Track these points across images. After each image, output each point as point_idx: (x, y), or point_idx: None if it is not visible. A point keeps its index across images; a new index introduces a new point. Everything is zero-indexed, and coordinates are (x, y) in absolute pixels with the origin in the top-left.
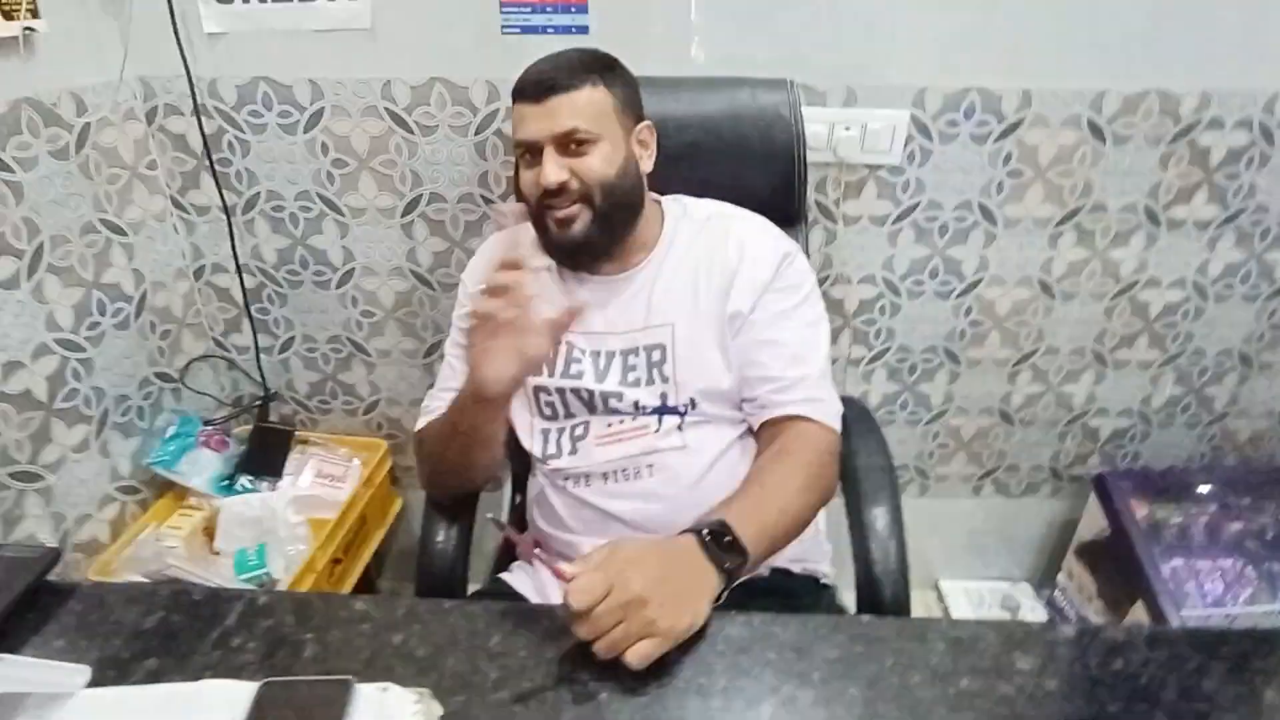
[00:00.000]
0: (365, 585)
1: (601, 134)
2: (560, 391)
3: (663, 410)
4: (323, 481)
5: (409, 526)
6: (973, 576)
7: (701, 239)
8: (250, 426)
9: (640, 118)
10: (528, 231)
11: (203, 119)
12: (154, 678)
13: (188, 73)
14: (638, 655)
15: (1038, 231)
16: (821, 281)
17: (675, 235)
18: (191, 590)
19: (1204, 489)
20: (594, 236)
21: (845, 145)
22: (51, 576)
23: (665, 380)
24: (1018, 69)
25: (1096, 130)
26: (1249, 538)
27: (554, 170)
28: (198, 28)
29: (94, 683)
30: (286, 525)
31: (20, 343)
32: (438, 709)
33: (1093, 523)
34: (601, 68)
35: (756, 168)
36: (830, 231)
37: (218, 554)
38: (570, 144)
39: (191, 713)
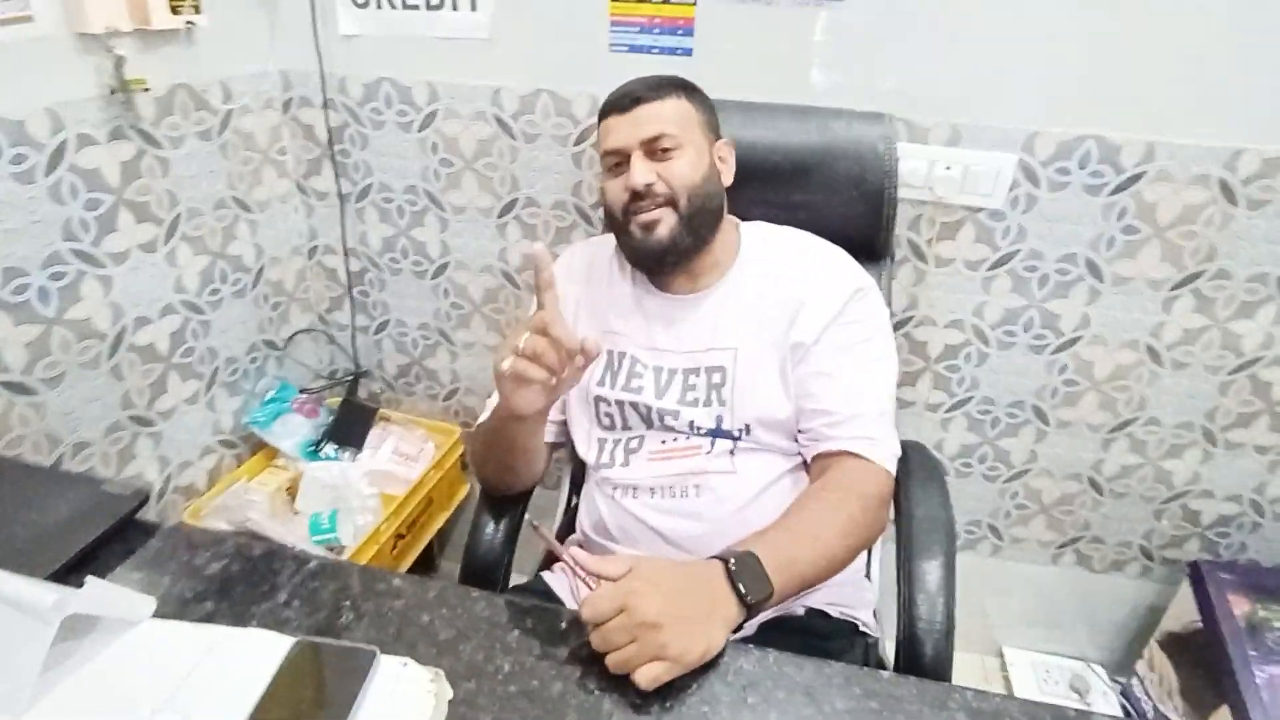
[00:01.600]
0: (426, 561)
1: (687, 140)
2: (620, 404)
3: (717, 433)
4: (398, 459)
5: (472, 512)
6: (1042, 649)
7: (775, 267)
8: (340, 399)
9: (719, 135)
10: (606, 245)
11: (330, 112)
12: (208, 618)
13: (321, 69)
14: (646, 677)
15: (1150, 293)
16: (905, 322)
17: (750, 261)
18: (255, 546)
19: None
20: (679, 240)
21: (944, 184)
22: (150, 514)
23: (723, 403)
24: (1142, 119)
25: (1228, 191)
26: None
27: (642, 172)
28: (334, 29)
29: (157, 614)
30: (359, 495)
31: (151, 300)
32: (448, 691)
33: (1183, 612)
34: (683, 85)
35: (844, 201)
36: (920, 271)
37: (297, 513)
38: (657, 150)
39: (233, 654)
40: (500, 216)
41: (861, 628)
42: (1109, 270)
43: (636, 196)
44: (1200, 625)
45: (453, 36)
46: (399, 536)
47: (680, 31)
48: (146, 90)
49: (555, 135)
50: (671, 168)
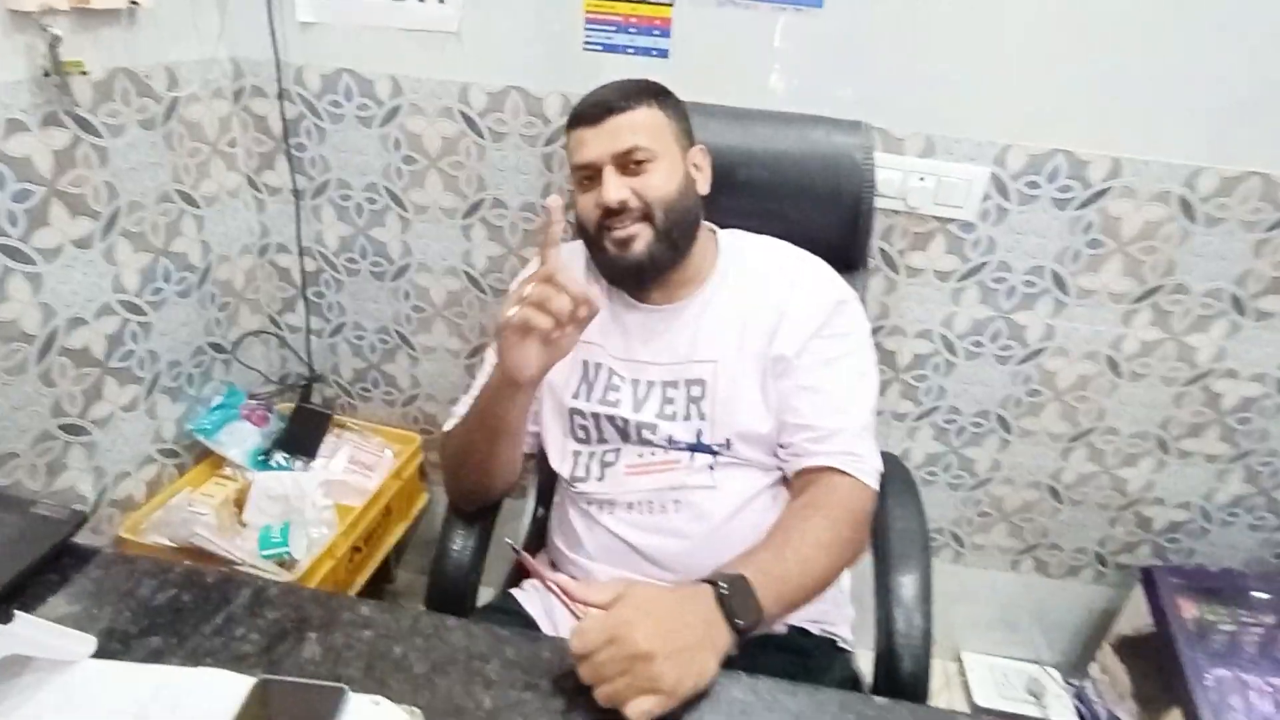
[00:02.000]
0: (383, 574)
1: (660, 152)
2: (595, 416)
3: (696, 447)
4: (354, 468)
5: (432, 521)
6: (999, 653)
7: (754, 277)
8: (292, 405)
9: (693, 142)
10: (580, 254)
11: (285, 104)
12: (156, 656)
13: (276, 58)
14: (638, 711)
15: (1112, 306)
16: (875, 331)
17: (728, 271)
18: (207, 573)
19: (1262, 596)
20: (656, 256)
21: (917, 195)
22: (84, 534)
23: (702, 417)
24: (1109, 136)
25: (1188, 208)
26: None
27: (615, 188)
28: (291, 15)
29: (98, 653)
30: (314, 507)
31: (86, 300)
32: None
33: (1135, 616)
34: (656, 92)
35: (821, 209)
36: (891, 281)
37: (245, 525)
38: (630, 163)
39: (185, 698)
40: (465, 217)
41: (840, 644)
42: (1074, 283)
43: (610, 213)
44: (1153, 629)
45: (419, 28)
46: (355, 550)
47: (656, 32)
48: (84, 74)
49: (525, 135)
50: (646, 182)
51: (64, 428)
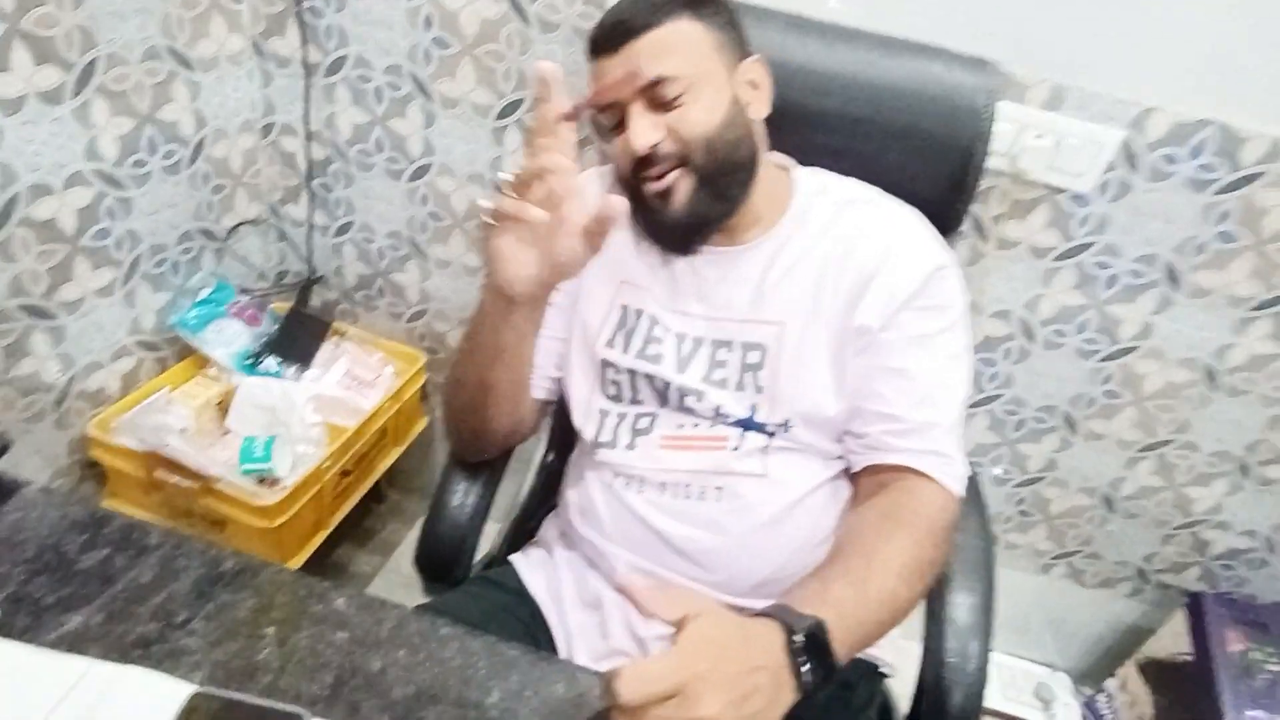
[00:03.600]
0: (373, 494)
1: (699, 77)
2: (631, 373)
3: (748, 424)
4: (350, 383)
5: (429, 443)
6: (1009, 651)
7: (838, 227)
8: (288, 306)
9: (746, 53)
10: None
11: None
12: (71, 642)
13: None
14: None
15: (1227, 310)
16: None
17: (806, 215)
18: (150, 530)
19: None
20: (703, 208)
21: (1031, 155)
22: (47, 424)
23: (759, 390)
24: (1276, 111)
25: None
26: None
27: (645, 129)
28: None
29: None
30: (302, 423)
31: (54, 166)
32: None
33: (1172, 640)
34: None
35: (920, 158)
36: (977, 251)
37: (227, 433)
38: (660, 96)
39: (101, 706)
40: (500, 118)
41: (882, 669)
42: (1189, 279)
43: (643, 161)
44: (1190, 656)
45: None
46: (345, 473)
47: None
48: None
49: (578, 28)
50: (682, 116)
51: (25, 308)
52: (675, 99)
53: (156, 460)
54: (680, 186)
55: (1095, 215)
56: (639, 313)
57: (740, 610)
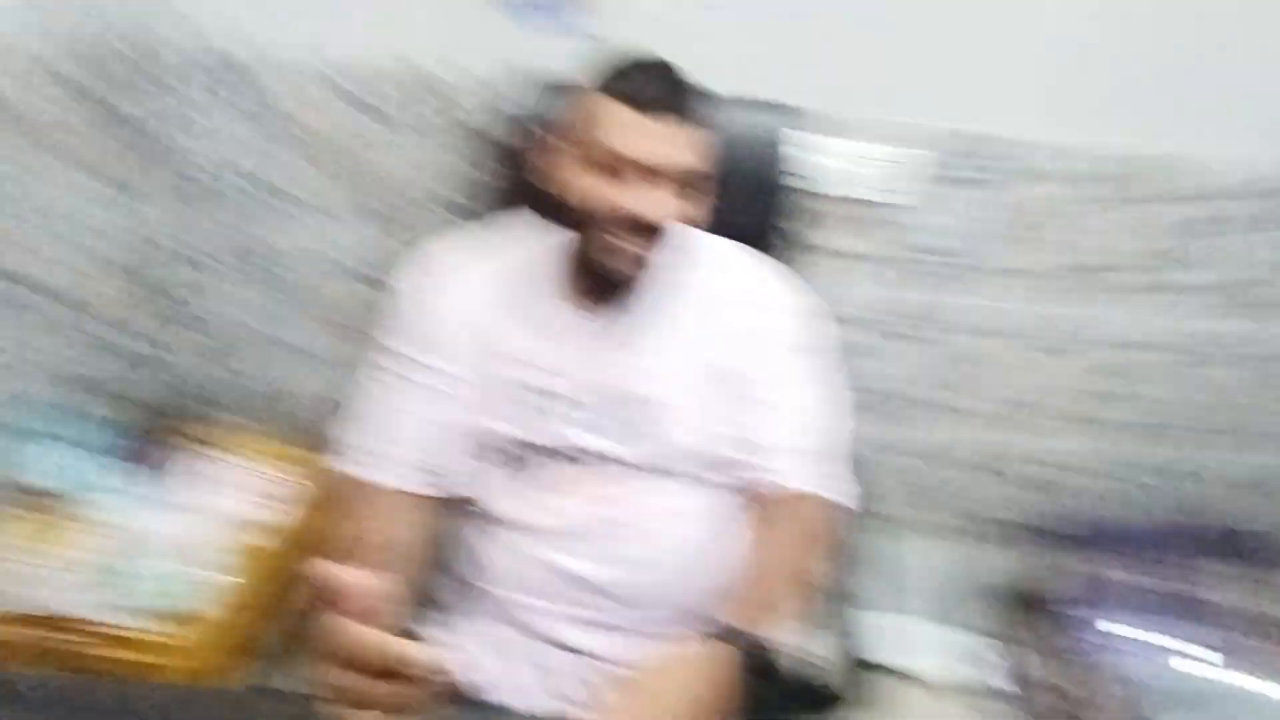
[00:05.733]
0: None
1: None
2: (526, 445)
3: (644, 468)
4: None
5: None
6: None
7: (714, 282)
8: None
9: None
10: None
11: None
12: None
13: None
14: None
15: (1035, 284)
16: None
17: (682, 273)
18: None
19: (1148, 548)
20: (639, 274)
21: (838, 176)
22: None
23: (652, 436)
24: (1050, 120)
25: (1103, 186)
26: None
27: (663, 203)
28: None
29: None
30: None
31: None
32: None
33: (1023, 571)
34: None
35: (733, 193)
36: (798, 262)
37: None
38: (688, 183)
39: None
40: (357, 212)
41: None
42: (997, 265)
43: (632, 224)
44: (1040, 583)
45: None
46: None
47: None
48: None
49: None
50: (684, 210)
51: None
52: (695, 193)
53: (34, 623)
54: (642, 259)
55: (903, 221)
56: (524, 384)
57: (659, 638)
